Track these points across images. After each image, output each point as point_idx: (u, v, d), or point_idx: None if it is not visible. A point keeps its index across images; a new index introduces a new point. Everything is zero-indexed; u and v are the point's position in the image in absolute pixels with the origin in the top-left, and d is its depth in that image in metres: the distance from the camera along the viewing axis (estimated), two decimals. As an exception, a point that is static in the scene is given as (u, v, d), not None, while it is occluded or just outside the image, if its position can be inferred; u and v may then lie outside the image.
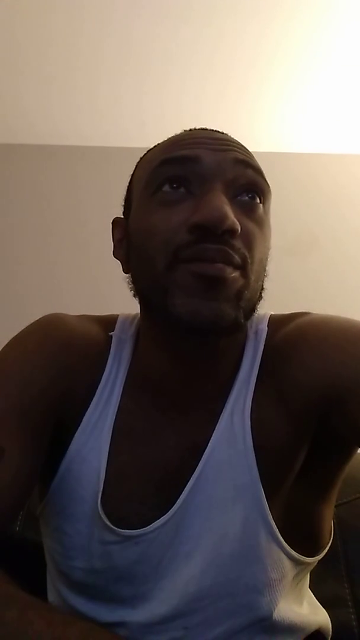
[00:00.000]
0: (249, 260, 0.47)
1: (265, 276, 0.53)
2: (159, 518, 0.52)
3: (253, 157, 0.52)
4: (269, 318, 0.58)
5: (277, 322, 0.57)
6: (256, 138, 1.68)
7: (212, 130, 0.54)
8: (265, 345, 0.55)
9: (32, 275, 1.73)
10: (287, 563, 0.54)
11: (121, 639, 0.42)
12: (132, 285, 0.55)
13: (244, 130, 1.70)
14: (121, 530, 0.52)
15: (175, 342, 0.51)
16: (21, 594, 0.43)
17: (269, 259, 0.54)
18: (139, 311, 0.58)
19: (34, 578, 0.74)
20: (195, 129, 0.54)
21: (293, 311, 0.59)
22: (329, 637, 0.64)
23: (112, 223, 0.61)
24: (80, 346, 0.57)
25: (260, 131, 1.69)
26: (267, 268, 0.53)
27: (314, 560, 0.58)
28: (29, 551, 0.77)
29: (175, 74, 1.56)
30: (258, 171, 0.50)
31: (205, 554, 0.52)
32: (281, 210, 1.85)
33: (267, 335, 0.56)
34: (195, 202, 0.47)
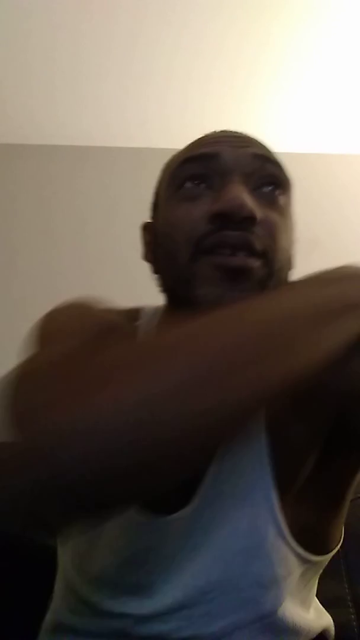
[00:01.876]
0: (271, 248, 0.48)
1: (291, 268, 0.53)
2: (171, 509, 0.52)
3: (273, 152, 0.53)
4: None
5: None
6: (257, 138, 1.68)
7: (233, 130, 0.56)
8: None
9: (32, 275, 1.72)
10: (293, 560, 0.54)
11: None
12: (160, 283, 0.55)
13: (244, 129, 1.71)
14: (140, 516, 0.52)
15: None
16: None
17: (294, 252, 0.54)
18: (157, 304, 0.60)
19: (34, 578, 0.74)
20: (215, 131, 0.56)
21: None
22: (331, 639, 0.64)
23: (142, 228, 0.62)
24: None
25: (261, 131, 1.68)
26: (293, 260, 0.53)
27: (321, 559, 0.58)
28: (28, 551, 0.77)
29: (179, 75, 1.56)
30: (277, 165, 0.52)
31: (214, 548, 0.52)
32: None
33: None
34: (214, 195, 0.48)
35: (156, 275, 0.57)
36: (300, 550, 0.54)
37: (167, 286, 0.54)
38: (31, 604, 0.73)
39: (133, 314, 0.62)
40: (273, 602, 0.53)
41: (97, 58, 1.50)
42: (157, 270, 0.57)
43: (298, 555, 0.54)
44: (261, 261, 0.47)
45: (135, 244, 1.97)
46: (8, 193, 1.82)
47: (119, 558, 0.53)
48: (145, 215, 2.14)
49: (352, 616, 0.73)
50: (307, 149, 1.86)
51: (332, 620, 0.65)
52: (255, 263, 0.46)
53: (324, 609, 0.65)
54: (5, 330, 1.64)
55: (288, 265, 0.52)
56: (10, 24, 1.38)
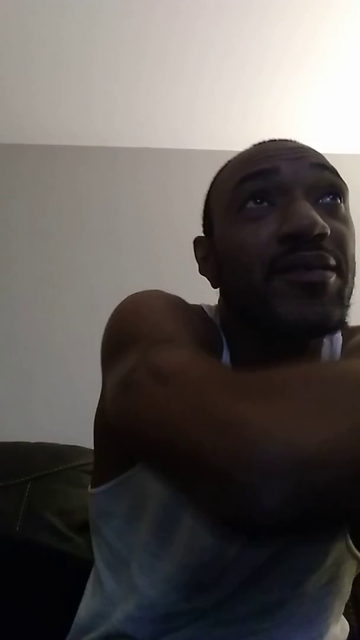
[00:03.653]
0: (342, 259, 0.49)
1: (355, 274, 0.55)
2: None
3: (326, 159, 0.54)
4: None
5: (350, 331, 0.58)
6: (251, 138, 1.67)
7: (283, 140, 0.56)
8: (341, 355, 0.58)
9: (34, 276, 1.72)
10: (347, 557, 0.58)
11: None
12: (224, 297, 0.57)
13: (236, 129, 1.70)
14: None
15: (270, 345, 0.52)
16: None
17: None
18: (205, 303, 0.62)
19: (33, 578, 0.74)
20: (265, 141, 0.56)
21: None
22: None
23: (194, 242, 0.62)
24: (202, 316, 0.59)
25: (256, 131, 1.68)
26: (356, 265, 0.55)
27: None
28: (29, 551, 0.77)
29: (186, 74, 1.55)
30: (334, 172, 0.52)
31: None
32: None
33: (342, 344, 0.58)
34: (280, 214, 0.49)
35: (219, 289, 0.58)
36: (354, 550, 0.58)
37: (237, 304, 0.54)
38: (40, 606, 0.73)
39: (199, 307, 0.63)
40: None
41: (102, 58, 1.50)
42: (218, 285, 0.58)
43: (352, 554, 0.58)
44: (335, 273, 0.48)
45: (136, 245, 1.96)
46: (10, 193, 1.82)
47: (195, 558, 0.54)
48: (146, 216, 2.13)
49: (352, 616, 0.73)
50: (316, 149, 1.84)
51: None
52: (331, 276, 0.47)
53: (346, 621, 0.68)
54: (2, 331, 1.64)
55: (355, 270, 0.53)
56: (14, 23, 1.38)
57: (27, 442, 1.07)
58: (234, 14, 1.35)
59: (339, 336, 0.59)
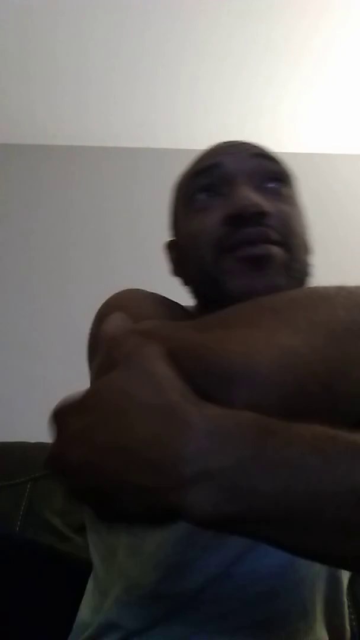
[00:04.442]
0: (287, 234, 0.52)
1: (309, 252, 0.57)
2: None
3: (270, 151, 0.57)
4: None
5: None
6: (251, 138, 1.67)
7: (230, 140, 0.60)
8: None
9: (28, 277, 1.72)
10: None
11: None
12: (191, 291, 0.59)
13: (235, 129, 1.71)
14: None
15: None
16: None
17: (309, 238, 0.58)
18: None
19: (33, 578, 0.74)
20: (216, 143, 0.61)
21: None
22: None
23: (165, 246, 0.65)
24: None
25: (254, 130, 1.69)
26: (310, 244, 0.57)
27: None
28: (29, 551, 0.77)
29: (183, 75, 1.56)
30: (275, 160, 0.56)
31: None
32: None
33: None
34: (224, 200, 0.53)
35: (187, 287, 0.60)
36: None
37: (197, 292, 0.58)
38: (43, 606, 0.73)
39: (180, 306, 0.64)
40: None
41: (100, 58, 1.50)
42: (186, 281, 0.60)
43: None
44: (281, 248, 0.51)
45: (134, 246, 1.95)
46: (7, 193, 1.82)
47: (173, 532, 0.52)
48: (144, 216, 2.13)
49: (352, 616, 0.73)
50: (307, 149, 1.85)
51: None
52: (275, 249, 0.50)
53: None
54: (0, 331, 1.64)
55: (306, 249, 0.56)
56: (12, 23, 1.38)
57: (27, 442, 1.07)
58: (233, 14, 1.35)
59: None
